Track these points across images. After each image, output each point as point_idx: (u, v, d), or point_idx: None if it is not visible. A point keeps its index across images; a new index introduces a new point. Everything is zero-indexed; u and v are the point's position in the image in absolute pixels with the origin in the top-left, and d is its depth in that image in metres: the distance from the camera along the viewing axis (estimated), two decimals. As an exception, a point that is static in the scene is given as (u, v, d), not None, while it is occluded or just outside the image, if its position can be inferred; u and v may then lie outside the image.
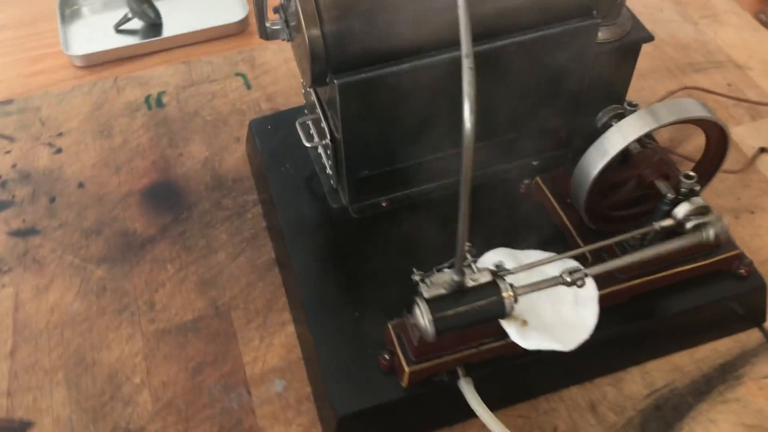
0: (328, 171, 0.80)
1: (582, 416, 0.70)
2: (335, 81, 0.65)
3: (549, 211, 0.78)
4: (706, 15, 1.08)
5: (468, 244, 0.66)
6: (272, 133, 0.88)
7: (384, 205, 0.79)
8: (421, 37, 0.67)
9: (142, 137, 0.96)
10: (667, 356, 0.74)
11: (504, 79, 0.72)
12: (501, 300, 0.60)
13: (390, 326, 0.67)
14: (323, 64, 0.65)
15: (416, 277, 0.63)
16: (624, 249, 0.69)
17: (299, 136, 0.81)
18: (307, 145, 0.78)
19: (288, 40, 0.72)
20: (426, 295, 0.60)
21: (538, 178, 0.79)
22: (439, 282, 0.61)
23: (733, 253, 0.71)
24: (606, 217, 0.73)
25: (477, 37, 0.68)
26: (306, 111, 0.84)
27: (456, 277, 0.59)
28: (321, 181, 0.82)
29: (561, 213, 0.76)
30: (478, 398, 0.64)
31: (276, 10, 0.71)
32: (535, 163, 0.82)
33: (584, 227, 0.74)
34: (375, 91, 0.67)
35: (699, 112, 0.65)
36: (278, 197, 0.82)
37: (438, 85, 0.69)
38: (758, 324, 0.76)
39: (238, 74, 1.03)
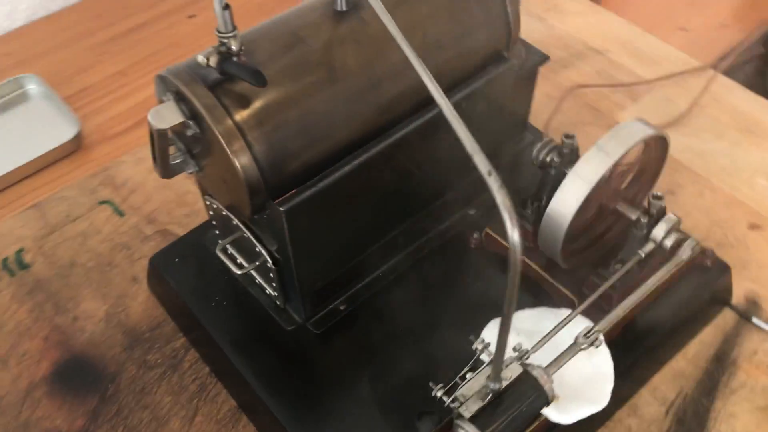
0: (271, 292, 0.71)
1: (619, 457, 0.67)
2: (280, 209, 0.57)
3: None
4: (549, 8, 1.10)
5: (471, 337, 0.61)
6: (183, 266, 0.76)
7: (342, 308, 0.71)
8: (356, 129, 0.60)
9: (17, 313, 0.80)
10: (666, 365, 0.73)
11: (439, 142, 0.67)
12: (543, 392, 0.55)
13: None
14: (263, 195, 0.57)
15: (438, 393, 0.57)
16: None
17: (220, 261, 0.71)
18: (239, 272, 0.69)
19: (196, 173, 0.62)
20: (467, 414, 0.54)
21: (487, 229, 0.75)
22: (470, 394, 0.55)
23: (699, 251, 0.72)
24: (572, 252, 0.71)
25: (412, 111, 0.63)
26: (218, 231, 0.74)
27: (493, 385, 0.54)
28: (262, 304, 0.72)
29: (526, 259, 0.72)
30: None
31: (164, 139, 0.61)
32: (471, 212, 0.78)
33: (554, 268, 0.71)
34: (320, 205, 0.60)
35: (646, 131, 0.64)
36: (221, 336, 0.71)
37: (381, 171, 0.63)
38: (727, 304, 0.77)
39: (102, 202, 0.90)
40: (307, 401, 0.66)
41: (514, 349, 0.58)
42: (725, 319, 0.77)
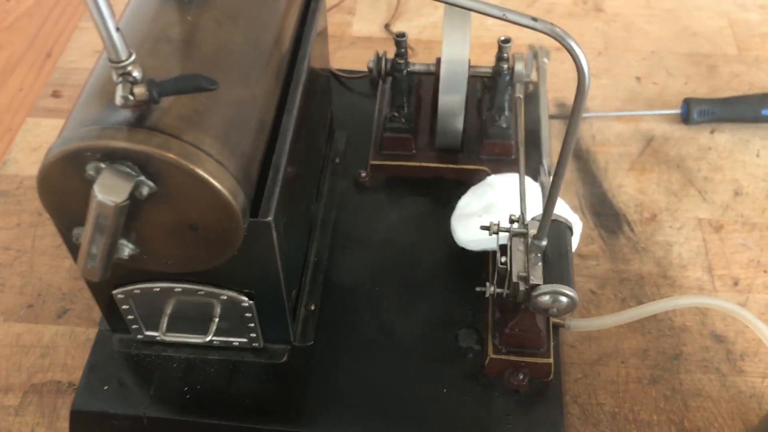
0: (242, 340, 0.62)
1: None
2: (267, 219, 0.50)
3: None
4: None
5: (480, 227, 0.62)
6: (116, 391, 0.62)
7: (312, 308, 0.66)
8: (272, 107, 0.55)
9: None
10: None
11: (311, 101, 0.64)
12: (570, 228, 0.58)
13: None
14: (248, 215, 0.49)
15: (490, 290, 0.57)
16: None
17: (151, 362, 0.60)
18: (206, 339, 0.59)
19: (131, 254, 0.51)
20: (539, 281, 0.55)
21: (371, 163, 0.74)
22: (522, 267, 0.56)
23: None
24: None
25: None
26: (136, 326, 0.61)
27: (542, 242, 0.55)
28: (225, 367, 0.63)
29: (429, 164, 0.74)
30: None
31: (121, 217, 0.47)
32: (337, 161, 0.76)
33: (456, 157, 0.74)
34: (285, 200, 0.54)
35: None
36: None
37: (299, 143, 0.59)
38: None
39: None
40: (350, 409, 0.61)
41: (511, 220, 0.60)
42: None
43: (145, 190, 0.45)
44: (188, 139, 0.45)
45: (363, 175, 0.74)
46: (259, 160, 0.52)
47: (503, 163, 0.73)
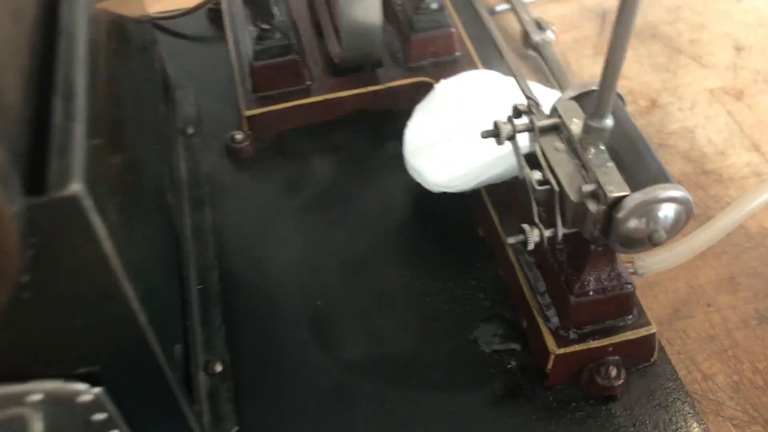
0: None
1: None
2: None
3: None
4: None
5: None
6: None
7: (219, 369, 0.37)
8: None
9: None
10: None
11: None
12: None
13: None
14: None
15: (532, 233, 0.32)
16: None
17: None
18: None
19: None
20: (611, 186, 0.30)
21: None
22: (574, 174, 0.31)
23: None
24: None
25: None
26: None
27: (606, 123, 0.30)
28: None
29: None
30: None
31: None
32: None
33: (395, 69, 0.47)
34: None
35: None
36: None
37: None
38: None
39: None
40: None
41: (517, 110, 0.34)
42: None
43: None
44: None
45: (238, 138, 0.46)
46: (21, 92, 0.23)
47: (448, 65, 0.47)
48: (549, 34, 0.48)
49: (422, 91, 0.46)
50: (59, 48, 0.26)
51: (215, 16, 0.55)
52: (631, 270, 0.39)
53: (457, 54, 0.48)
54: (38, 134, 0.23)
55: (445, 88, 0.44)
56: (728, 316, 0.45)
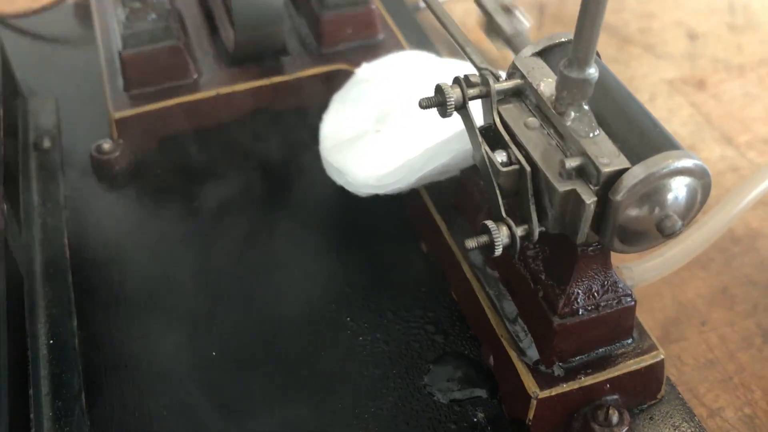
0: None
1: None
2: None
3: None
4: None
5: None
6: None
7: None
8: None
9: None
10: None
11: None
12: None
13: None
14: None
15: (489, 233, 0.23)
16: None
17: None
18: None
19: None
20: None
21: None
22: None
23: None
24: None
25: None
26: None
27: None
28: None
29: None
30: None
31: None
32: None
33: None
34: None
35: None
36: None
37: None
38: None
39: None
40: None
41: (468, 80, 0.26)
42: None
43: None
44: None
45: (106, 148, 0.36)
46: None
47: (368, 50, 0.39)
48: (522, 20, 0.38)
49: (338, 81, 0.37)
50: None
51: (84, 12, 0.45)
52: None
53: (380, 37, 0.39)
54: None
55: (367, 73, 0.36)
56: (727, 335, 0.37)
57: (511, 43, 0.33)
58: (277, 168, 0.36)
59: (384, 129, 0.32)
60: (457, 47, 0.30)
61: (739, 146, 0.46)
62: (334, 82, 0.37)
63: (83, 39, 0.45)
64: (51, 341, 0.30)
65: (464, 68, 0.35)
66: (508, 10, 0.36)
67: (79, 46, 0.45)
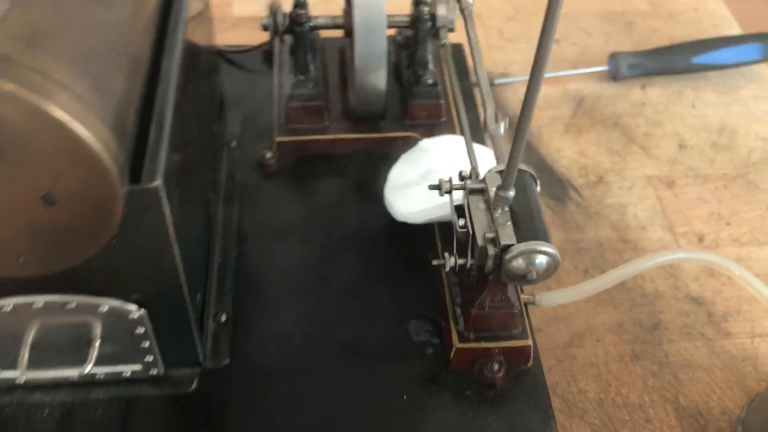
0: (136, 368, 0.47)
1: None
2: (154, 184, 0.37)
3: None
4: None
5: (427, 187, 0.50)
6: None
7: (223, 319, 0.52)
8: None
9: None
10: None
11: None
12: (535, 178, 0.48)
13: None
14: (126, 179, 0.36)
15: (450, 262, 0.46)
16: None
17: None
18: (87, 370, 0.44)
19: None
20: (512, 241, 0.44)
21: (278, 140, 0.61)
22: (486, 227, 0.45)
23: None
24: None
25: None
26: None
27: (508, 193, 0.44)
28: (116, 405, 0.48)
29: (347, 135, 0.62)
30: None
31: None
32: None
33: (381, 125, 0.63)
34: (176, 160, 0.40)
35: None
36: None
37: (186, 88, 0.46)
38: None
39: None
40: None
41: (461, 176, 0.49)
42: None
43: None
44: (29, 63, 0.31)
45: (268, 156, 0.61)
46: (136, 107, 0.38)
47: (434, 126, 0.62)
48: (502, 126, 0.58)
49: (410, 143, 0.60)
50: (158, 91, 0.41)
51: (268, 57, 0.70)
52: (531, 300, 0.53)
53: (443, 119, 0.62)
54: (140, 147, 0.38)
55: (427, 144, 0.59)
56: (610, 351, 0.58)
57: (493, 139, 0.54)
58: (361, 189, 0.61)
59: (422, 184, 0.55)
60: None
61: (676, 234, 0.66)
62: (407, 143, 0.61)
63: (263, 74, 0.71)
64: (220, 260, 0.56)
65: (485, 152, 0.58)
66: (498, 118, 0.58)
67: (260, 79, 0.70)
